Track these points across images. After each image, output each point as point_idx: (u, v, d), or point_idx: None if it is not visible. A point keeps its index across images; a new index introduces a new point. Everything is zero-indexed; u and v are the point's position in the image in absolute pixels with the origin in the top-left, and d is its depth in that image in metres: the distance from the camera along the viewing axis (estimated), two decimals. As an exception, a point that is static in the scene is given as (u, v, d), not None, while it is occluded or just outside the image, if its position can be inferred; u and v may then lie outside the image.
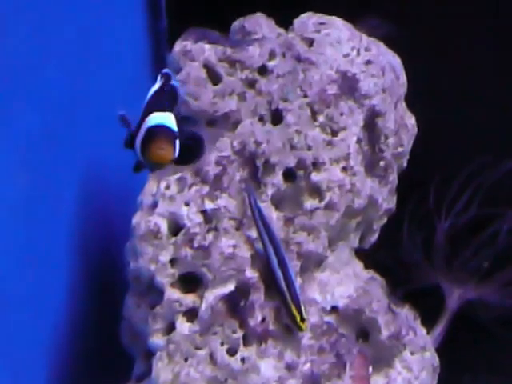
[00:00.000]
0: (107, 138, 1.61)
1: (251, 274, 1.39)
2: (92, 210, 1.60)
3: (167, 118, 1.15)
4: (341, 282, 1.49)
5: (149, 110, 1.18)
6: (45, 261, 1.44)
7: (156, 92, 1.24)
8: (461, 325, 1.65)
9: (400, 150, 1.55)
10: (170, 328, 1.39)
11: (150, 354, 1.42)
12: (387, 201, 1.56)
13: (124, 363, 1.49)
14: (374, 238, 1.60)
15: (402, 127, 1.57)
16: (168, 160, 1.18)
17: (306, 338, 1.41)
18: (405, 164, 1.59)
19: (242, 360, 1.36)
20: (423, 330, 1.54)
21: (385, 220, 1.59)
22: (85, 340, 1.56)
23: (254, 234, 1.40)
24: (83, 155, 1.57)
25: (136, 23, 1.86)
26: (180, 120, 1.24)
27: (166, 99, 1.21)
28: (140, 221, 1.41)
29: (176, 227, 1.40)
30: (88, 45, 1.58)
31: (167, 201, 1.41)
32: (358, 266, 1.56)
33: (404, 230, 1.66)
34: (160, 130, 1.12)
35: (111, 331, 1.49)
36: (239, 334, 1.37)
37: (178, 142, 1.16)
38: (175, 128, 1.15)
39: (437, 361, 1.54)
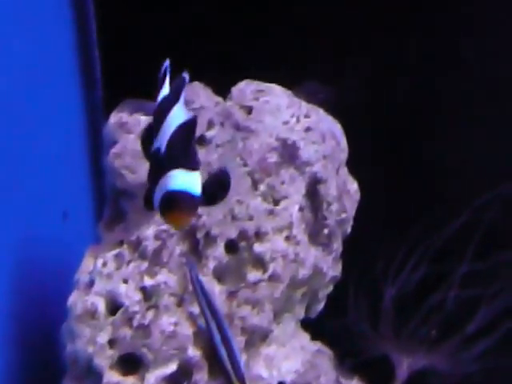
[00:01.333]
0: (41, 214, 1.57)
1: (194, 352, 1.34)
2: (26, 289, 1.54)
3: (191, 180, 0.98)
4: (287, 356, 1.45)
5: (171, 160, 0.99)
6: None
7: (181, 130, 1.03)
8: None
9: (343, 216, 1.53)
10: (111, 413, 1.33)
11: None
12: (332, 269, 1.53)
13: None
14: (320, 306, 1.57)
15: (344, 193, 1.54)
16: (187, 224, 1.04)
17: (253, 417, 1.36)
18: (349, 230, 1.56)
19: None
20: (373, 402, 1.51)
21: (331, 288, 1.56)
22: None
23: (196, 309, 1.36)
24: (17, 232, 1.52)
25: (69, 93, 1.82)
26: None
27: (191, 142, 1.03)
28: (76, 300, 1.36)
29: (114, 306, 1.35)
30: (16, 117, 1.53)
31: (104, 279, 1.36)
32: (305, 338, 1.52)
33: (350, 299, 1.63)
34: (181, 197, 0.97)
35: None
36: (183, 416, 1.32)
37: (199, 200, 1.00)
38: (198, 190, 0.99)
39: None
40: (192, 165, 1.01)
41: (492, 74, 1.72)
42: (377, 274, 1.64)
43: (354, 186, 1.56)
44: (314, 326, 1.54)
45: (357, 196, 1.56)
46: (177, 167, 0.99)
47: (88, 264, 1.40)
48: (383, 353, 1.59)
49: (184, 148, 1.03)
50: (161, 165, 1.01)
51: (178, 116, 1.09)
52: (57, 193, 1.65)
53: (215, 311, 1.35)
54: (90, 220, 1.78)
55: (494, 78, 1.72)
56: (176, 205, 0.98)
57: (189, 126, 1.05)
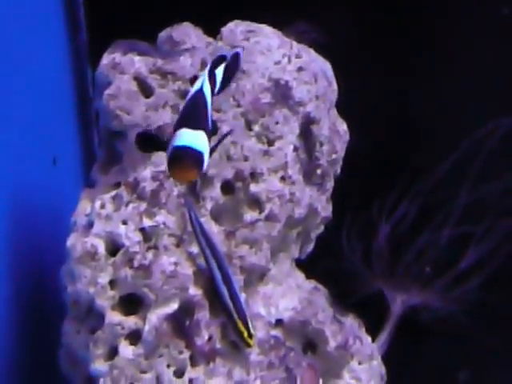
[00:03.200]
0: (31, 159, 1.56)
1: (195, 291, 1.35)
2: (19, 234, 1.53)
3: (195, 138, 1.05)
4: (284, 295, 1.46)
5: (181, 121, 1.08)
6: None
7: (193, 98, 1.13)
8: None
9: (334, 156, 1.52)
10: (113, 353, 1.33)
11: (91, 381, 1.36)
12: (325, 209, 1.53)
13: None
14: (311, 247, 1.57)
15: (334, 134, 1.54)
16: (191, 180, 1.11)
17: (255, 354, 1.37)
18: (338, 171, 1.57)
19: (190, 381, 1.32)
20: (369, 339, 1.52)
21: (322, 229, 1.56)
22: (21, 371, 1.49)
23: (195, 249, 1.36)
24: (7, 178, 1.50)
25: (53, 36, 1.79)
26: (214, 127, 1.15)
27: (201, 108, 1.11)
28: (75, 242, 1.36)
29: (114, 247, 1.35)
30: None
31: (103, 220, 1.35)
32: (300, 276, 1.52)
33: (343, 238, 1.64)
34: (184, 152, 1.04)
35: (49, 360, 1.42)
36: (186, 354, 1.32)
37: (206, 158, 1.06)
38: (203, 147, 1.05)
39: (383, 369, 1.52)
40: (199, 125, 1.08)
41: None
42: (371, 212, 1.65)
43: (343, 126, 1.56)
44: (307, 267, 1.55)
45: (346, 137, 1.56)
46: (184, 127, 1.07)
47: (84, 206, 1.40)
48: (377, 290, 1.61)
49: (193, 110, 1.11)
50: (174, 128, 1.09)
51: (197, 83, 1.16)
52: (46, 138, 1.63)
53: (215, 250, 1.35)
54: (79, 165, 1.77)
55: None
56: (179, 160, 1.04)
57: (198, 93, 1.14)
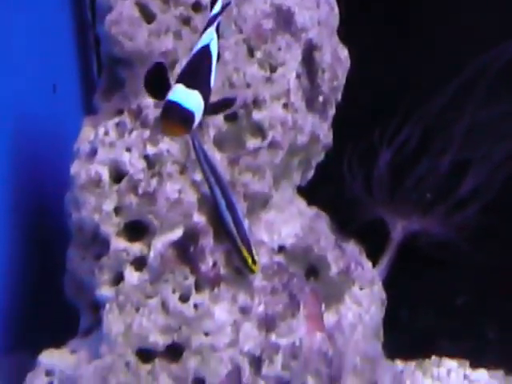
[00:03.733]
0: (32, 85, 1.55)
1: (199, 218, 1.35)
2: (22, 160, 1.53)
3: (189, 97, 1.04)
4: (287, 221, 1.47)
5: (181, 76, 1.07)
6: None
7: (198, 53, 1.11)
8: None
9: (335, 83, 1.52)
10: (118, 278, 1.35)
11: (96, 306, 1.38)
12: (326, 136, 1.53)
13: (68, 317, 1.45)
14: (311, 174, 1.58)
15: (336, 60, 1.53)
16: (178, 136, 1.11)
17: (258, 280, 1.38)
18: (339, 98, 1.56)
19: (195, 306, 1.33)
20: (370, 264, 1.54)
21: (323, 156, 1.57)
22: (25, 297, 1.50)
23: (198, 177, 1.36)
24: (10, 104, 1.50)
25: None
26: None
27: (204, 66, 1.10)
28: (79, 170, 1.35)
29: (118, 174, 1.35)
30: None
31: (107, 147, 1.35)
32: (302, 203, 1.53)
33: (344, 166, 1.64)
34: (175, 109, 1.03)
35: (52, 285, 1.43)
36: (191, 280, 1.33)
37: (197, 117, 1.05)
38: (195, 107, 1.04)
39: (384, 294, 1.54)
40: (197, 84, 1.07)
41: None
42: (372, 139, 1.64)
43: (344, 52, 1.54)
44: (308, 194, 1.55)
45: (347, 63, 1.55)
46: (182, 83, 1.06)
47: (87, 133, 1.39)
48: (378, 217, 1.62)
49: (195, 67, 1.10)
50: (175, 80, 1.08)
51: (204, 39, 1.14)
52: (46, 65, 1.61)
53: (219, 177, 1.35)
54: (78, 91, 1.76)
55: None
56: (169, 116, 1.04)
57: (204, 51, 1.12)
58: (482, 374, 1.79)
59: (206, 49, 1.12)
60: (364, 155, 1.66)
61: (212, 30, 1.15)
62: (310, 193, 1.54)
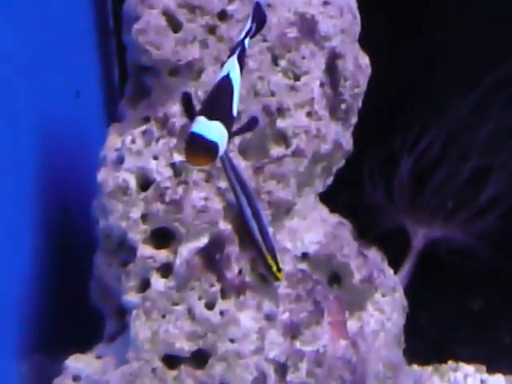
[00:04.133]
0: (55, 94, 1.56)
1: (225, 226, 1.36)
2: (45, 166, 1.54)
3: (211, 128, 1.08)
4: (309, 228, 1.47)
5: (204, 108, 1.11)
6: (5, 222, 1.39)
7: (219, 84, 1.14)
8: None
9: (357, 90, 1.52)
10: (145, 285, 1.36)
11: (122, 312, 1.39)
12: (348, 143, 1.54)
13: (92, 323, 1.46)
14: (331, 180, 1.58)
15: (357, 68, 1.54)
16: (203, 165, 1.12)
17: (283, 287, 1.39)
18: (360, 104, 1.57)
19: (221, 313, 1.34)
20: (391, 271, 1.55)
21: (343, 162, 1.57)
22: (48, 300, 1.51)
23: (224, 185, 1.37)
24: (33, 113, 1.51)
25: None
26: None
27: (226, 96, 1.14)
28: (107, 177, 1.37)
29: (145, 182, 1.36)
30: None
31: (134, 155, 1.36)
32: (324, 210, 1.54)
33: (365, 173, 1.65)
34: (199, 141, 1.07)
35: (78, 291, 1.45)
36: (217, 287, 1.34)
37: (221, 147, 1.09)
38: (218, 138, 1.08)
39: (405, 301, 1.55)
40: (219, 115, 1.10)
41: None
42: (393, 147, 1.65)
43: (365, 60, 1.55)
44: (329, 202, 1.56)
45: (368, 70, 1.55)
46: (205, 115, 1.09)
47: (114, 141, 1.40)
48: (399, 224, 1.63)
49: (216, 98, 1.13)
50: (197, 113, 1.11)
51: (226, 68, 1.17)
52: (69, 72, 1.63)
53: (244, 185, 1.36)
54: (100, 98, 1.77)
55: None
56: (193, 147, 1.07)
57: (225, 81, 1.15)
58: (498, 378, 1.80)
59: (227, 79, 1.15)
60: (385, 162, 1.67)
61: (234, 58, 1.18)
62: (329, 200, 1.55)
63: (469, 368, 1.81)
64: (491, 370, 1.80)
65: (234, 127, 1.15)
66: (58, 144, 1.57)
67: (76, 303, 1.47)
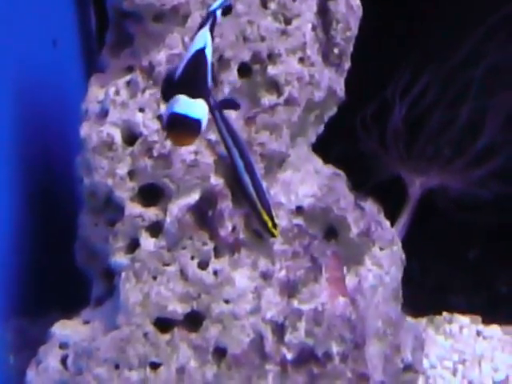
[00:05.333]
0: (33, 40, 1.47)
1: (216, 180, 1.30)
2: (26, 119, 1.46)
3: (193, 106, 1.03)
4: (303, 181, 1.40)
5: (180, 86, 1.05)
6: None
7: (193, 58, 1.08)
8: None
9: (348, 34, 1.45)
10: (134, 245, 1.29)
11: (109, 274, 1.33)
12: (342, 90, 1.47)
13: (76, 285, 1.40)
14: (322, 129, 1.52)
15: (348, 9, 1.46)
16: (188, 145, 1.08)
17: (278, 244, 1.33)
18: (351, 49, 1.49)
19: (215, 273, 1.28)
20: (388, 223, 1.49)
21: (335, 110, 1.50)
22: (30, 262, 1.45)
23: (214, 137, 1.30)
24: (11, 58, 1.42)
25: None
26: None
27: (202, 71, 1.08)
28: (90, 132, 1.29)
29: (131, 136, 1.29)
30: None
31: (119, 108, 1.29)
32: (318, 161, 1.47)
33: (357, 122, 1.58)
34: (181, 121, 1.02)
35: (62, 252, 1.38)
36: (210, 245, 1.28)
37: (204, 124, 1.05)
38: (200, 115, 1.04)
39: (403, 254, 1.49)
40: (198, 92, 1.06)
41: None
42: (385, 93, 1.58)
43: (356, 1, 1.47)
44: (321, 152, 1.49)
45: (359, 12, 1.48)
46: (183, 93, 1.05)
47: (96, 93, 1.33)
48: (395, 173, 1.57)
49: (193, 74, 1.08)
50: (173, 87, 1.07)
51: (198, 42, 1.11)
52: (45, 21, 1.54)
53: (236, 138, 1.29)
54: (77, 46, 1.68)
55: None
56: (176, 128, 1.04)
57: (200, 56, 1.10)
58: (495, 330, 1.77)
59: (201, 52, 1.10)
60: (377, 110, 1.60)
61: (206, 30, 1.12)
62: (321, 150, 1.49)
63: (464, 319, 1.77)
64: (487, 321, 1.75)
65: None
66: (35, 94, 1.49)
67: (60, 265, 1.41)
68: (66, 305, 1.37)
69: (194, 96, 1.03)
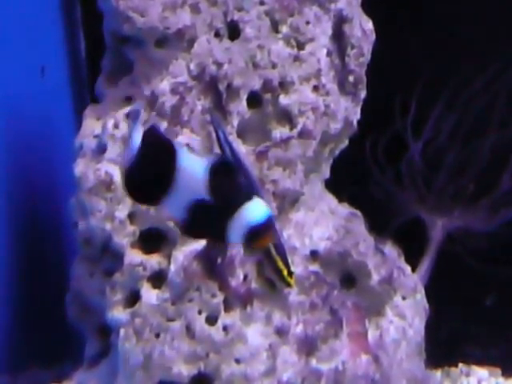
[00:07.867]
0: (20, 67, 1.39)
1: (227, 222, 1.18)
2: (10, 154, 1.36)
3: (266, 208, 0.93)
4: (317, 222, 1.32)
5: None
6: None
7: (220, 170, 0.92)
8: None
9: (361, 60, 1.37)
10: (134, 298, 1.23)
11: (106, 331, 1.25)
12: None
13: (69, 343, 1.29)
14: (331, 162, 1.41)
15: (362, 34, 1.38)
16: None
17: (294, 294, 1.24)
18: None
19: (225, 329, 1.21)
20: (409, 269, 1.38)
21: (346, 143, 1.39)
22: (20, 320, 1.33)
23: (224, 176, 1.18)
24: None
25: None
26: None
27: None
28: (86, 170, 1.21)
29: (132, 175, 1.17)
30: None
31: (118, 143, 1.20)
32: (332, 200, 1.37)
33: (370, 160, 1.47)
34: (266, 229, 0.92)
35: (52, 306, 1.27)
36: (219, 297, 1.20)
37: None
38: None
39: (426, 303, 1.38)
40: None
41: None
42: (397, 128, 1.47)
43: (369, 25, 1.40)
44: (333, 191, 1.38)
45: (372, 37, 1.41)
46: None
47: (91, 126, 1.25)
48: (414, 215, 1.46)
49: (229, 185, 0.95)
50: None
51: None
52: (33, 48, 1.44)
53: (248, 175, 1.16)
54: (66, 74, 1.57)
55: None
56: (262, 237, 0.94)
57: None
58: (515, 382, 1.66)
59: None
60: (390, 145, 1.49)
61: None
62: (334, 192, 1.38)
63: (482, 372, 1.66)
64: (507, 373, 1.64)
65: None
66: (21, 122, 1.40)
67: (46, 318, 1.29)
68: (48, 359, 1.30)
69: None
